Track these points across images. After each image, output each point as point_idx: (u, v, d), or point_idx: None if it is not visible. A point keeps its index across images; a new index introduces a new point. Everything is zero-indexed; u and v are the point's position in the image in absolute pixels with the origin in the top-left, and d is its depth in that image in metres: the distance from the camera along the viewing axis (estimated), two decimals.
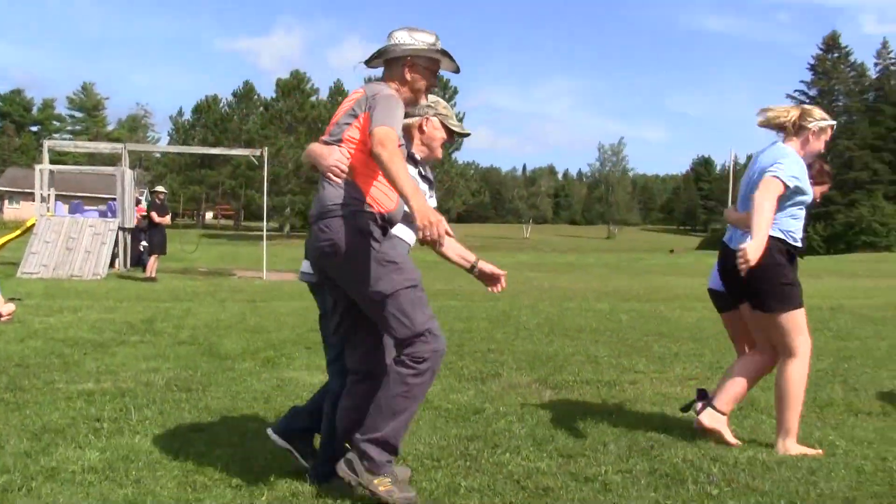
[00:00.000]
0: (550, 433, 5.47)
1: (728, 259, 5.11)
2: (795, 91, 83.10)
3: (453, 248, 4.53)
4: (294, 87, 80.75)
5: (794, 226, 5.10)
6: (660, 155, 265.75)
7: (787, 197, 4.98)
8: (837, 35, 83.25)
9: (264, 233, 24.44)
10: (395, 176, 3.59)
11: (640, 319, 13.02)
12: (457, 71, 4.24)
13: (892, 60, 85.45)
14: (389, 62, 4.13)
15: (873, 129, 78.98)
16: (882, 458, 4.94)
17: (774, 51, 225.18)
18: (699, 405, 5.52)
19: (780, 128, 5.25)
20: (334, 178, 3.88)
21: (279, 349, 8.97)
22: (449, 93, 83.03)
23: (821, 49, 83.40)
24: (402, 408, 3.81)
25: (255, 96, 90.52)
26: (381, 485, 3.76)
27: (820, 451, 5.08)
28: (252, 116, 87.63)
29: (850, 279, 28.29)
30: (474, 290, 17.39)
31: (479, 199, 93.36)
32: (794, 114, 5.22)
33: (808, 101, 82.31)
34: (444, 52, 4.10)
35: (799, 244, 5.14)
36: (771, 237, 4.84)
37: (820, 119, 5.28)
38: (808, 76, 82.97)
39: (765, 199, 4.81)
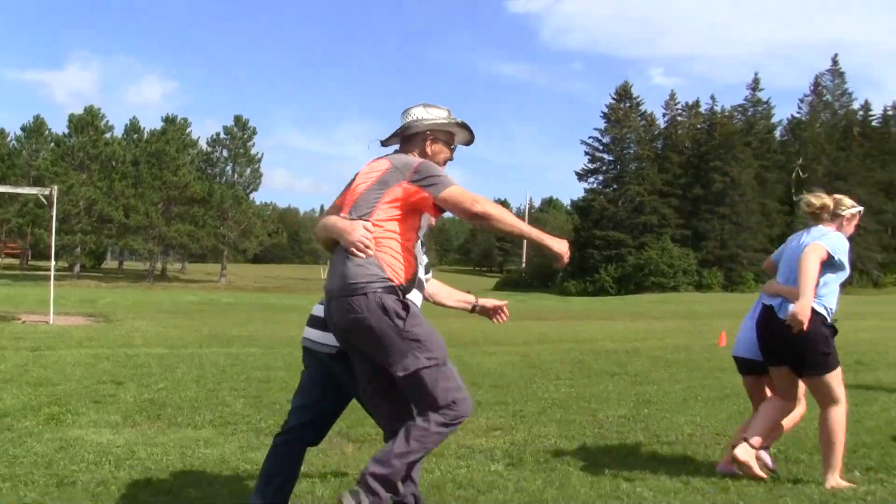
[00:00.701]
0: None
1: (775, 326, 5.64)
2: (590, 138, 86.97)
3: (451, 295, 4.93)
4: (88, 123, 77.27)
5: (832, 302, 5.65)
6: None
7: (831, 270, 5.57)
8: (629, 85, 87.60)
9: (52, 273, 22.95)
10: (512, 223, 3.94)
11: None
12: (471, 141, 4.44)
13: (679, 111, 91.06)
14: (409, 137, 4.27)
15: (662, 176, 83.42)
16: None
17: (570, 99, 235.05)
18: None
19: (815, 216, 5.88)
20: (359, 253, 3.89)
21: (64, 404, 8.24)
22: (248, 133, 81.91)
23: (614, 98, 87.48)
24: (414, 453, 3.87)
25: (47, 131, 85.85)
26: None
27: (854, 483, 5.60)
28: (42, 152, 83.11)
29: (641, 321, 29.50)
30: (273, 336, 16.90)
31: (277, 239, 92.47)
32: (827, 202, 5.87)
33: (601, 147, 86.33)
34: (462, 124, 4.31)
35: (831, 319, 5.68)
36: (815, 311, 5.40)
37: (851, 206, 5.96)
38: (602, 124, 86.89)
39: (810, 261, 5.37)
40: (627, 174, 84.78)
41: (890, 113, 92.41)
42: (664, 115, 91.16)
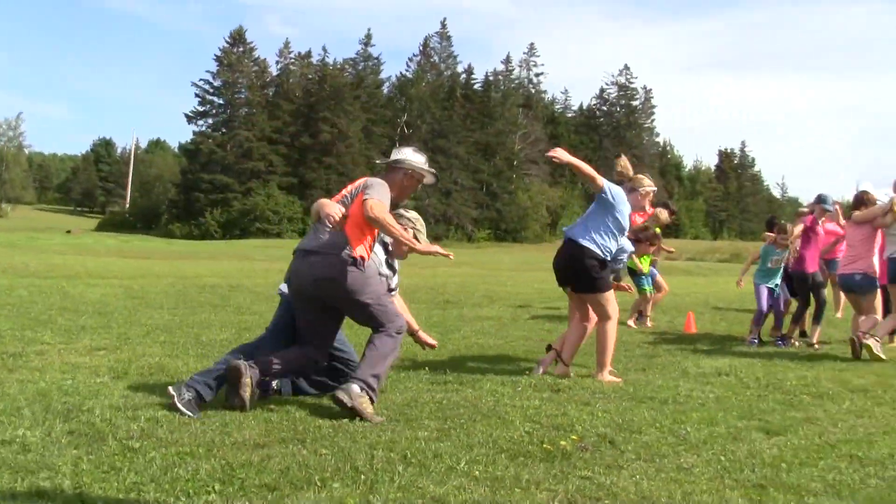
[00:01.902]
0: None
1: (562, 254, 7.54)
2: (201, 80, 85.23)
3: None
4: None
5: (610, 245, 7.39)
6: (60, 133, 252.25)
7: (612, 222, 7.34)
8: (243, 31, 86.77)
9: None
10: (386, 223, 5.64)
11: (41, 295, 12.52)
12: (434, 181, 6.63)
13: (292, 60, 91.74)
14: (394, 168, 6.27)
15: (272, 123, 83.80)
16: (286, 410, 5.49)
17: (185, 39, 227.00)
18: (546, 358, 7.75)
19: (618, 175, 7.70)
20: (329, 223, 5.57)
21: None
22: None
23: (227, 42, 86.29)
24: (391, 354, 5.75)
25: None
26: (368, 408, 5.40)
27: (620, 379, 7.33)
28: None
29: (246, 262, 29.92)
30: None
31: None
32: (626, 173, 7.74)
33: (211, 90, 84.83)
34: (433, 173, 6.48)
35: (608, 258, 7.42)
36: (588, 247, 7.29)
37: (648, 185, 7.81)
38: (215, 67, 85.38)
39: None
40: (237, 119, 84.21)
41: (491, 79, 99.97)
42: (277, 62, 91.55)
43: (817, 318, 10.45)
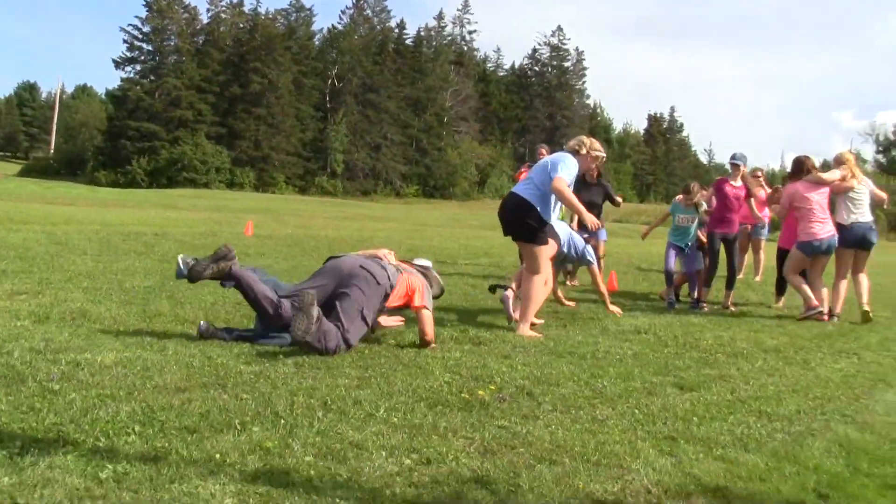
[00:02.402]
0: None
1: (507, 208, 7.82)
2: (130, 25, 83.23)
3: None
4: None
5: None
6: None
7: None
8: None
9: None
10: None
11: None
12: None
13: (223, 8, 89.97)
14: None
15: (201, 71, 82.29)
16: (207, 356, 5.52)
17: None
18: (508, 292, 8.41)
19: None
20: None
21: None
22: None
23: None
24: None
25: None
26: None
27: (541, 335, 7.48)
28: None
29: (172, 211, 29.52)
30: None
31: None
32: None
33: (141, 36, 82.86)
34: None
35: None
36: (531, 204, 7.59)
37: (597, 150, 8.10)
38: (144, 12, 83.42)
39: (564, 191, 7.51)
40: (166, 66, 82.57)
41: (423, 34, 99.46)
42: (208, 10, 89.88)
43: (730, 284, 10.58)
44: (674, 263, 10.65)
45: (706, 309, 10.29)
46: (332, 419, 4.26)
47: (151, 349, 5.61)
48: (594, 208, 11.39)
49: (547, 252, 7.96)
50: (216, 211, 32.16)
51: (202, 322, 6.32)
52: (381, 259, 6.63)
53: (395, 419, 4.37)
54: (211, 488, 3.19)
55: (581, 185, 11.16)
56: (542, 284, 7.81)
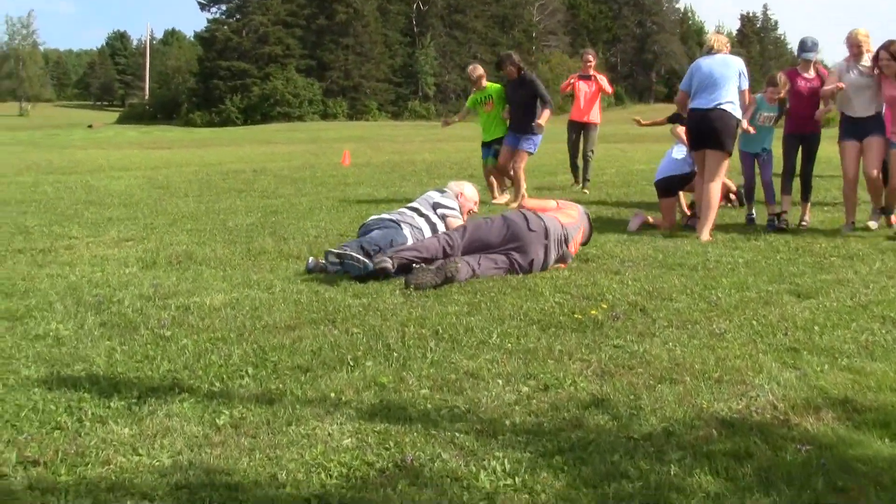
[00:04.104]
0: None
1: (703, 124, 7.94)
2: None
3: None
4: None
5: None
6: (71, 30, 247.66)
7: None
8: None
9: None
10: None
11: (66, 190, 12.53)
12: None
13: None
14: None
15: (286, 6, 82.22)
16: (315, 291, 5.49)
17: None
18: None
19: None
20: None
21: None
22: None
23: None
24: None
25: None
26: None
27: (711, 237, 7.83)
28: None
29: (268, 146, 29.81)
30: None
31: None
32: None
33: None
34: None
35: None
36: (733, 114, 7.92)
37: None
38: None
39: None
40: (251, 4, 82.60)
41: None
42: None
43: (805, 194, 8.93)
44: (750, 174, 9.03)
45: (787, 225, 8.52)
46: (444, 348, 4.18)
47: (259, 288, 5.61)
48: (521, 109, 10.39)
49: (728, 164, 8.27)
50: (312, 143, 32.31)
51: (310, 259, 6.29)
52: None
53: (509, 344, 4.26)
54: (328, 428, 3.13)
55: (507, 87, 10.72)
56: (719, 190, 8.09)
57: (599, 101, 12.76)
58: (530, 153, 10.56)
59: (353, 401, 3.43)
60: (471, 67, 11.15)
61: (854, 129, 8.28)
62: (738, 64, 8.07)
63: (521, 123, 10.36)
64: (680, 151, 8.73)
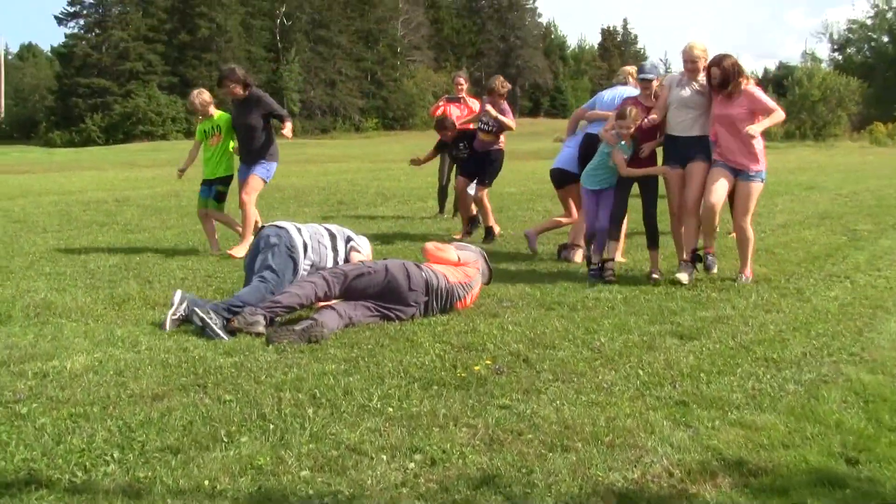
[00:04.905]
0: None
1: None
2: None
3: None
4: None
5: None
6: None
7: None
8: None
9: None
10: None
11: None
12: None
13: None
14: None
15: (147, 21, 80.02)
16: (183, 348, 5.22)
17: None
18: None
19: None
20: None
21: None
22: None
23: None
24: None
25: None
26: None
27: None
28: None
29: (132, 170, 28.87)
30: None
31: None
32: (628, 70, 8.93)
33: None
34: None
35: None
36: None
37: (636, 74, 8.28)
38: None
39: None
40: (110, 18, 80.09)
41: None
42: None
43: (652, 242, 7.82)
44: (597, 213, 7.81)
45: (613, 276, 7.55)
46: (323, 417, 4.00)
47: (123, 346, 5.30)
48: (251, 133, 9.18)
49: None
50: (176, 165, 31.33)
51: (169, 315, 5.92)
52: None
53: (391, 409, 4.12)
54: None
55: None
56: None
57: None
58: (265, 181, 9.30)
59: (228, 490, 3.20)
60: (194, 93, 9.65)
61: (675, 151, 7.52)
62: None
63: (252, 151, 9.19)
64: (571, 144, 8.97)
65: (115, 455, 3.52)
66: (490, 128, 9.92)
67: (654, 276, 7.50)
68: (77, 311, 6.32)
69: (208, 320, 5.56)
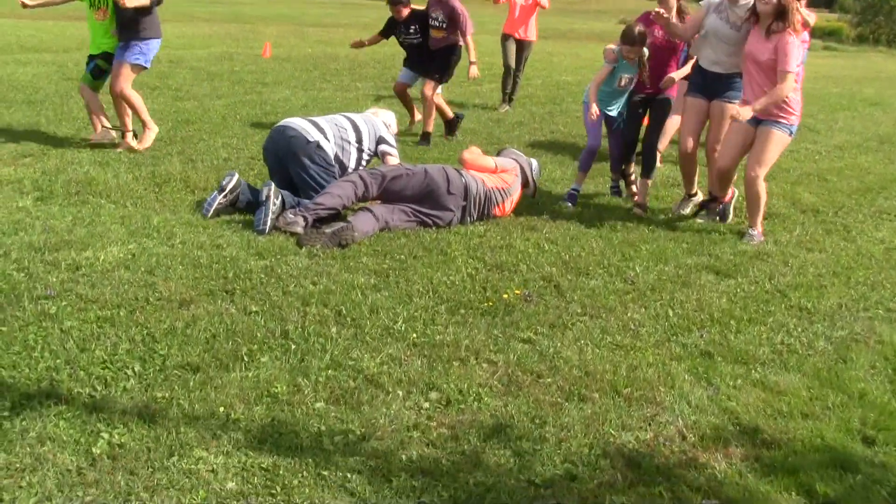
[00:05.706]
0: None
1: None
2: None
3: None
4: None
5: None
6: None
7: None
8: None
9: None
10: None
11: None
12: None
13: None
14: None
15: None
16: (216, 245, 5.22)
17: None
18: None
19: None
20: None
21: None
22: None
23: None
24: None
25: None
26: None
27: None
28: None
29: (189, 24, 28.51)
30: None
31: None
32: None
33: None
34: None
35: None
36: None
37: None
38: None
39: None
40: None
41: None
42: None
43: (647, 171, 7.24)
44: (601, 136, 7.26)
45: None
46: (346, 339, 4.00)
47: (158, 237, 5.32)
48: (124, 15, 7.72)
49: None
50: (233, 21, 30.94)
51: (213, 196, 5.99)
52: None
53: (415, 335, 4.11)
54: (213, 462, 2.94)
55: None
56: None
57: (536, 17, 12.17)
58: (144, 66, 8.13)
59: (241, 420, 3.23)
60: None
61: (703, 84, 6.61)
62: None
63: (123, 25, 7.81)
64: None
65: (136, 368, 3.56)
66: (440, 23, 9.20)
67: (637, 210, 6.91)
68: (117, 191, 6.34)
69: (270, 205, 5.65)
